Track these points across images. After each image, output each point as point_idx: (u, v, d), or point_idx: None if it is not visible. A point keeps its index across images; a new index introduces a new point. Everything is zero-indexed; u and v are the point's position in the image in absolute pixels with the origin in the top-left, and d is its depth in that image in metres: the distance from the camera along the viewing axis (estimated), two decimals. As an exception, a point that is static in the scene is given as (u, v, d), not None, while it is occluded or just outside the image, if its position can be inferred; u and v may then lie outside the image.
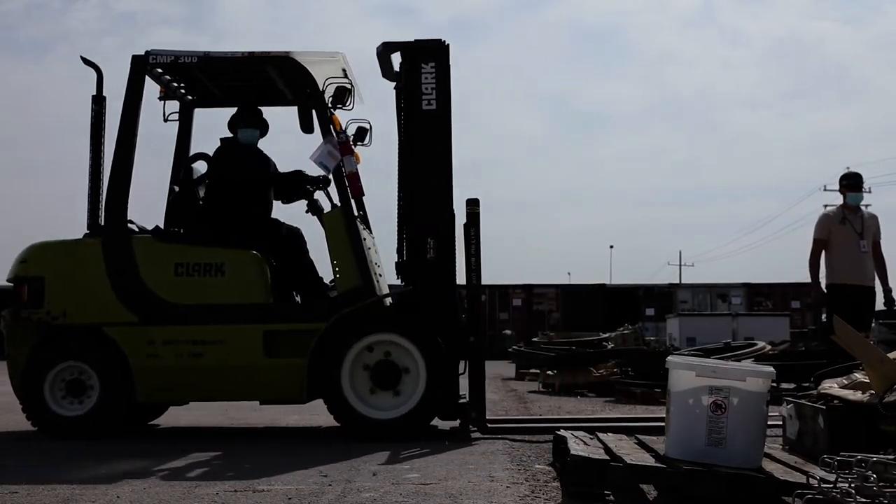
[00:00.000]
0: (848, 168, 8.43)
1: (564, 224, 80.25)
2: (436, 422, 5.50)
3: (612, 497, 3.35)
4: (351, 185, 5.62)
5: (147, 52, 5.62)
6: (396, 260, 5.75)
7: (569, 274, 77.35)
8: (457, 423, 5.41)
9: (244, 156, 5.92)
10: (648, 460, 3.39)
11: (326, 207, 5.81)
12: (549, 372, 10.48)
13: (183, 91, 6.25)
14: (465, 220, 5.54)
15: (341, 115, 5.82)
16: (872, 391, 3.85)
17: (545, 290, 29.41)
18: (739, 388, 3.29)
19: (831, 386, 4.29)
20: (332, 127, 5.61)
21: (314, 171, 5.75)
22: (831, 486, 2.76)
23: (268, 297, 5.48)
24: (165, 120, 6.17)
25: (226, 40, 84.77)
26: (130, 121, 5.63)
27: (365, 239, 5.64)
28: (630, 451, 3.55)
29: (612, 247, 56.40)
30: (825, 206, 29.43)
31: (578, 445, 3.58)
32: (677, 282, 35.20)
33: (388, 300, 5.67)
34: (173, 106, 6.26)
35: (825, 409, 4.04)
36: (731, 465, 3.21)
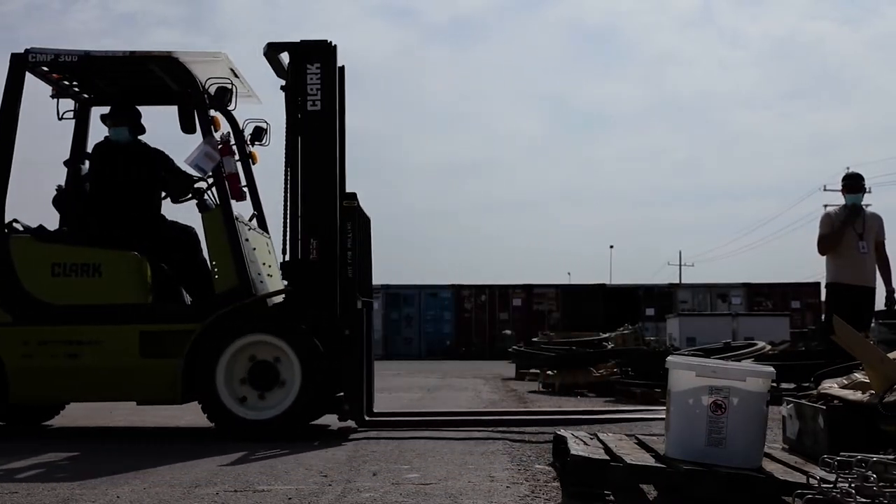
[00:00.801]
0: (848, 168, 8.47)
1: (564, 224, 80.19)
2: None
3: (612, 497, 3.35)
4: (230, 186, 5.68)
5: (26, 51, 5.65)
6: (282, 260, 5.78)
7: (569, 274, 77.46)
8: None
9: (120, 155, 5.92)
10: (648, 460, 3.39)
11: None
12: (549, 372, 10.49)
13: (77, 90, 6.27)
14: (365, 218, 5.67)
15: (245, 115, 5.97)
16: (872, 391, 3.85)
17: (545, 290, 29.45)
18: (739, 388, 3.29)
19: (831, 386, 4.29)
20: (212, 127, 5.68)
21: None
22: (831, 486, 2.76)
23: (146, 297, 5.54)
24: (60, 118, 6.20)
25: (225, 41, 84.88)
26: (8, 120, 5.67)
27: (248, 240, 5.71)
28: (630, 451, 3.55)
29: (612, 247, 56.42)
30: (825, 206, 29.36)
31: (578, 445, 3.58)
32: (677, 282, 35.22)
33: (277, 300, 5.69)
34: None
35: (825, 409, 4.04)
36: (731, 465, 3.21)
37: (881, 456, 2.88)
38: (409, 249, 69.34)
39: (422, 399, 9.09)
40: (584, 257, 74.51)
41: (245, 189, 6.12)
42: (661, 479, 3.29)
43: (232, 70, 5.90)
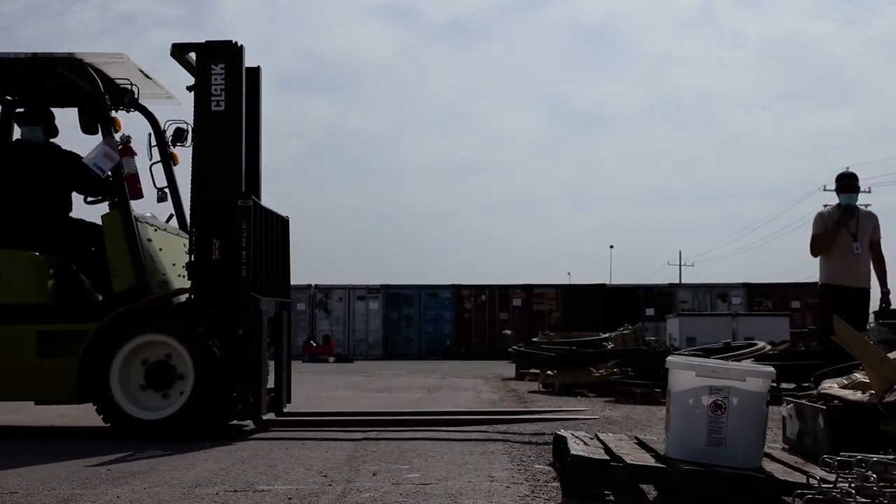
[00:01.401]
0: (847, 168, 8.42)
1: (564, 224, 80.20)
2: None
3: (612, 497, 3.35)
4: (129, 187, 5.71)
5: None
6: (187, 260, 5.78)
7: (569, 274, 77.47)
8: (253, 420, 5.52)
9: (32, 155, 5.95)
10: (648, 460, 3.39)
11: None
12: (549, 372, 10.49)
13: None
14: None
15: (168, 116, 6.03)
16: (872, 391, 3.85)
17: (545, 290, 29.46)
18: (739, 388, 3.29)
19: (831, 386, 4.29)
20: (112, 128, 5.70)
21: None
22: (831, 486, 2.76)
23: (45, 297, 5.57)
24: None
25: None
26: None
27: (151, 240, 5.76)
28: (630, 451, 3.55)
29: (612, 247, 56.49)
30: (825, 206, 29.18)
31: (578, 445, 3.58)
32: (677, 282, 35.22)
33: (183, 300, 5.72)
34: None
35: (825, 409, 4.04)
36: (731, 465, 3.21)
37: (881, 456, 2.88)
38: (409, 249, 69.38)
39: (422, 399, 9.09)
40: (584, 257, 74.53)
41: (166, 190, 6.23)
42: (661, 479, 3.29)
43: (141, 71, 5.97)
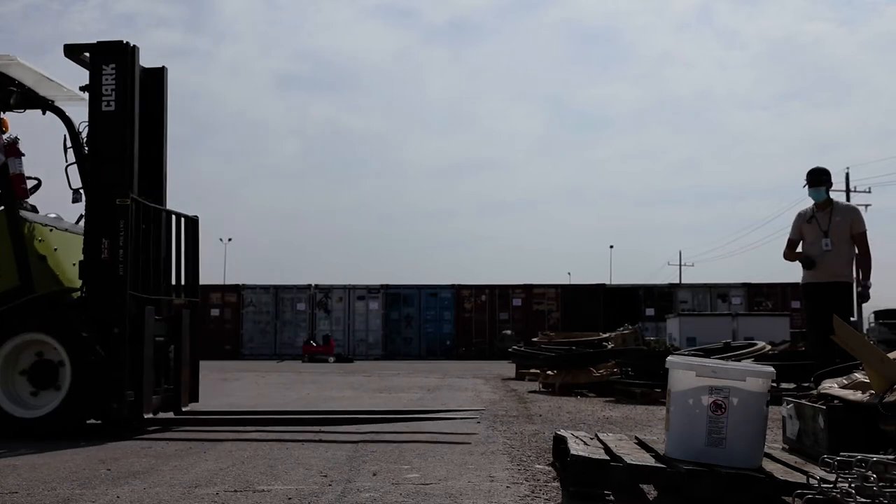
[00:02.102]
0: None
1: (564, 224, 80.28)
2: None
3: (612, 497, 3.35)
4: (15, 187, 5.77)
5: None
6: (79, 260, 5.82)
7: (569, 274, 77.56)
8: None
9: None
10: (648, 460, 3.39)
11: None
12: (549, 372, 10.48)
13: None
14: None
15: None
16: (872, 391, 3.85)
17: (545, 290, 29.46)
18: (739, 388, 3.28)
19: (831, 386, 4.29)
20: None
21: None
22: (831, 486, 2.76)
23: None
24: None
25: (225, 41, 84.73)
26: None
27: (43, 240, 5.80)
28: (630, 451, 3.55)
29: (612, 247, 56.62)
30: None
31: (578, 445, 3.58)
32: (677, 282, 35.22)
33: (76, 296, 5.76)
34: None
35: (825, 409, 4.04)
36: (731, 465, 3.21)
37: (881, 456, 2.88)
38: (409, 249, 69.43)
39: (422, 399, 9.08)
40: (584, 257, 74.66)
41: (81, 191, 6.18)
42: (661, 479, 3.29)
43: (39, 73, 6.01)
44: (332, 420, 6.05)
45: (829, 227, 6.84)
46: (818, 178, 6.97)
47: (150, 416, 5.96)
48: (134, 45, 5.75)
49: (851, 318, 7.42)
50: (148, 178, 5.93)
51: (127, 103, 5.68)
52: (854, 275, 6.95)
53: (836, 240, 6.82)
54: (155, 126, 6.03)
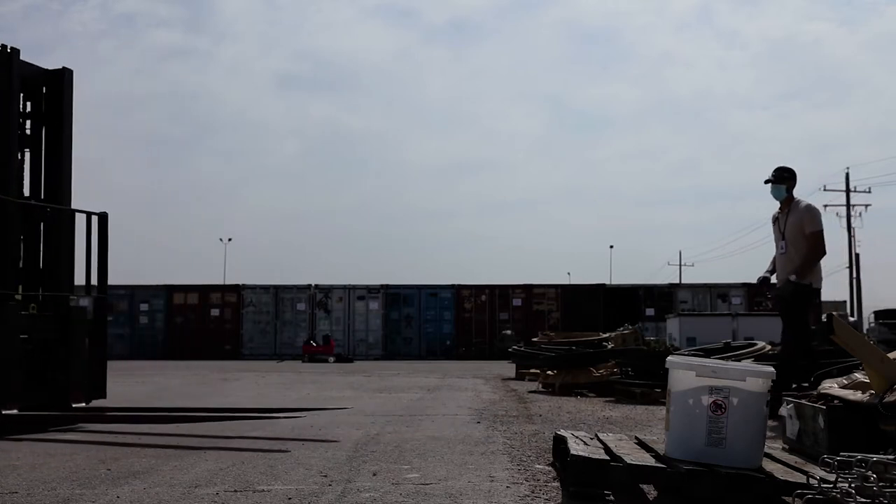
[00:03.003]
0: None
1: (564, 224, 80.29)
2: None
3: (612, 497, 3.35)
4: None
5: None
6: None
7: (569, 274, 77.57)
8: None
9: None
10: (648, 460, 3.39)
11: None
12: (549, 372, 10.48)
13: None
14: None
15: None
16: (872, 391, 3.85)
17: (545, 290, 29.46)
18: (739, 388, 3.28)
19: (831, 386, 4.29)
20: None
21: None
22: (831, 486, 2.76)
23: None
24: None
25: (225, 42, 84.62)
26: None
27: None
28: (630, 451, 3.55)
29: (612, 247, 56.66)
30: (825, 206, 29.16)
31: (578, 445, 3.58)
32: (677, 282, 35.22)
33: None
34: None
35: (825, 409, 4.04)
36: (731, 465, 3.21)
37: (881, 456, 2.88)
38: (409, 249, 69.39)
39: (422, 399, 9.08)
40: (584, 257, 74.67)
41: None
42: (661, 479, 3.29)
43: None
44: (208, 418, 6.15)
45: (785, 228, 6.70)
46: (780, 176, 6.74)
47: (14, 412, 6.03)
48: (14, 49, 5.80)
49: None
50: (49, 177, 6.04)
51: (12, 105, 5.77)
52: (818, 275, 6.67)
53: (790, 241, 6.65)
54: (55, 127, 6.10)
